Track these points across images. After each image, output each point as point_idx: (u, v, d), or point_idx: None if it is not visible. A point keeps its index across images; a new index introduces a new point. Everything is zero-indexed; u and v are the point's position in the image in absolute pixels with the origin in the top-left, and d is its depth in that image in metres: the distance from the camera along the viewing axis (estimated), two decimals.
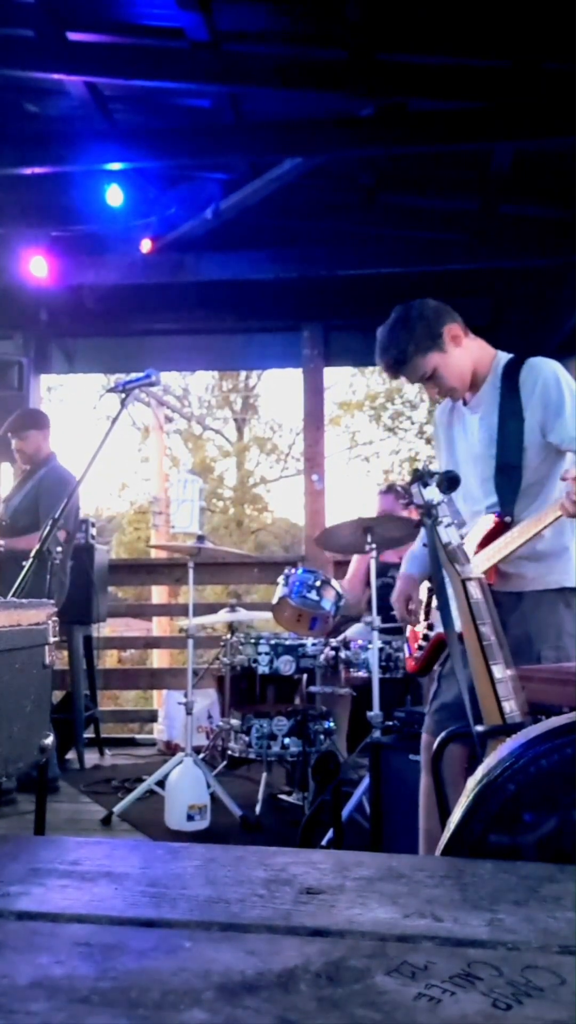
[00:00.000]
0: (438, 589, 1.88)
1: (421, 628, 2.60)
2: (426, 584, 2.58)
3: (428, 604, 2.57)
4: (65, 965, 0.69)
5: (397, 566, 4.17)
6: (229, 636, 4.23)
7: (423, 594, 2.60)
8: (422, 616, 2.59)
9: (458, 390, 2.39)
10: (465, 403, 2.45)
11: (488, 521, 2.24)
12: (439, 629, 2.42)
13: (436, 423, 2.64)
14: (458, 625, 1.85)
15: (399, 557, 4.23)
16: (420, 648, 2.54)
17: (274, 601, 3.79)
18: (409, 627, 2.68)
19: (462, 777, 2.25)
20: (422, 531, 2.72)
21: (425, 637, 2.51)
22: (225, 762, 4.20)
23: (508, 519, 2.22)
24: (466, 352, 2.37)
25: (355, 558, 4.54)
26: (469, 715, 1.77)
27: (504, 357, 2.41)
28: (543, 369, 2.29)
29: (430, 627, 2.50)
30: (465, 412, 2.45)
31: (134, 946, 0.74)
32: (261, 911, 0.83)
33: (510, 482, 2.26)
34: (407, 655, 2.67)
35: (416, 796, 2.44)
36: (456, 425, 2.50)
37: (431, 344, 2.31)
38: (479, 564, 2.22)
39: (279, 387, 21.98)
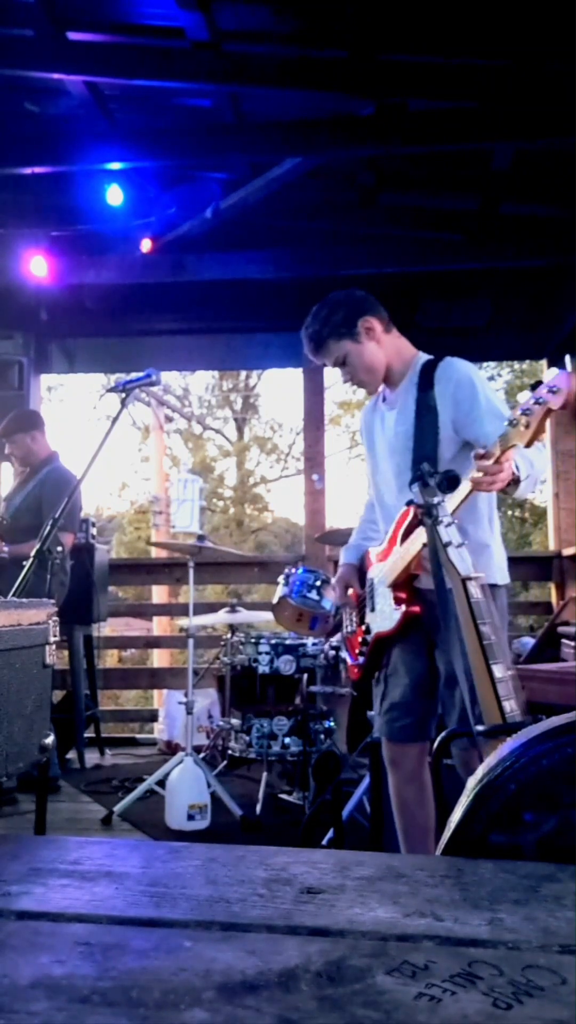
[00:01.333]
0: (438, 588, 1.88)
1: (359, 635, 2.61)
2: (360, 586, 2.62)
3: (361, 609, 2.59)
4: (66, 965, 0.69)
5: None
6: (229, 636, 4.23)
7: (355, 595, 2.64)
8: (356, 620, 2.61)
9: (367, 383, 2.50)
10: (384, 400, 2.54)
11: (406, 513, 2.28)
12: (377, 630, 2.45)
13: (361, 426, 2.74)
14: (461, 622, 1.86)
15: None
16: (361, 654, 2.55)
17: (274, 601, 3.79)
18: (347, 638, 2.71)
19: (423, 774, 2.30)
20: (358, 526, 2.79)
21: (364, 641, 2.52)
22: (225, 762, 4.20)
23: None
24: (381, 347, 2.46)
25: None
26: (469, 714, 1.77)
27: (424, 357, 2.49)
28: (457, 368, 2.37)
29: (367, 631, 2.51)
30: (383, 408, 2.55)
31: (135, 946, 0.74)
32: (262, 911, 0.83)
33: None
34: (350, 663, 2.67)
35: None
36: (375, 422, 2.59)
37: (345, 331, 2.43)
38: (406, 555, 2.27)
39: (279, 387, 22.01)
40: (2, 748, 1.71)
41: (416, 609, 2.33)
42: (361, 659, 2.54)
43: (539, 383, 1.80)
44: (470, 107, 3.84)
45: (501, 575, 2.35)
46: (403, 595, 2.34)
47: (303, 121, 4.12)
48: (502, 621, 2.31)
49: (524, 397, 1.81)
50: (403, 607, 2.34)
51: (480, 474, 1.93)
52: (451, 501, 2.08)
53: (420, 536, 2.20)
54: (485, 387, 2.34)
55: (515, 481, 1.99)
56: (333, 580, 2.72)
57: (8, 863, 0.97)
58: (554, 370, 1.80)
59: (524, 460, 1.99)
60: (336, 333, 2.43)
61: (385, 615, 2.40)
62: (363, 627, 2.55)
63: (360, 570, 2.64)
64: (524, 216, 4.91)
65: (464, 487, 2.04)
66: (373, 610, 2.48)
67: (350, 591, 2.62)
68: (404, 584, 2.34)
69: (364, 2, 3.27)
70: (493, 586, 2.28)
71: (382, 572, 2.43)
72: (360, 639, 2.56)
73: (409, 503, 2.07)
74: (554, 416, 1.87)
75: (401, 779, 2.42)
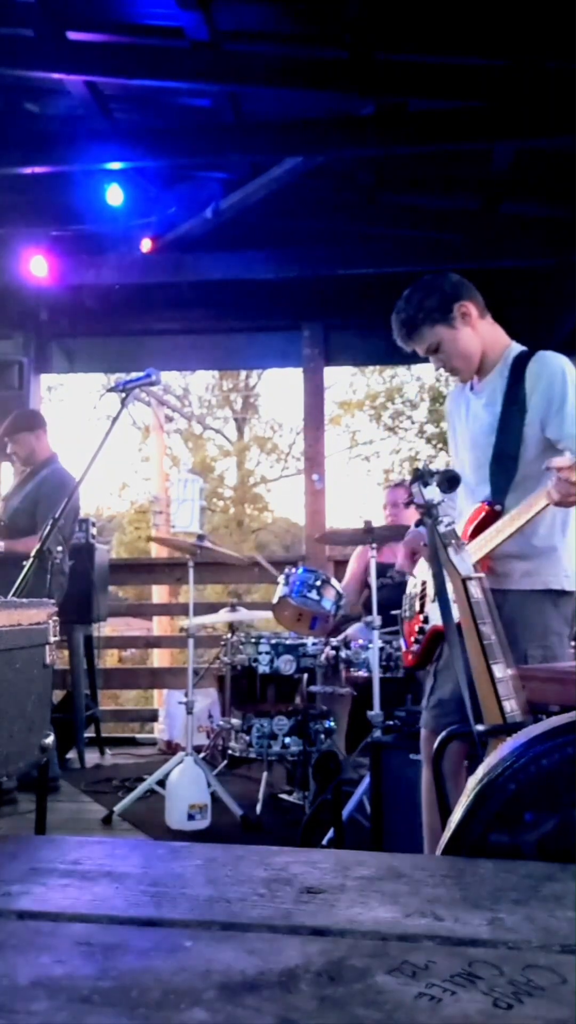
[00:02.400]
0: (438, 587, 1.87)
1: (416, 623, 2.59)
2: (421, 577, 2.58)
3: (423, 597, 2.57)
4: (66, 965, 0.69)
5: (395, 566, 4.18)
6: (229, 635, 4.22)
7: (417, 586, 2.60)
8: (417, 607, 2.59)
9: (461, 370, 2.39)
10: (472, 388, 2.45)
11: (479, 509, 2.23)
12: (435, 622, 2.41)
13: (446, 410, 2.65)
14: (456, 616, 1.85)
15: (396, 557, 4.24)
16: (416, 642, 2.54)
17: (274, 600, 3.79)
18: (405, 622, 2.69)
19: (461, 771, 2.26)
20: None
21: (421, 631, 2.50)
22: (226, 761, 4.20)
23: (498, 508, 2.20)
24: (476, 334, 2.35)
25: (353, 558, 4.54)
26: (469, 712, 1.77)
27: (517, 348, 2.39)
28: (552, 363, 2.27)
29: (426, 620, 2.49)
30: (470, 397, 2.45)
31: (135, 945, 0.74)
32: (262, 910, 0.83)
33: (505, 472, 2.25)
34: (404, 649, 2.67)
35: (417, 795, 2.44)
36: (460, 410, 2.50)
37: (440, 316, 2.31)
38: (472, 553, 2.24)
39: (279, 386, 22.00)
40: (2, 748, 1.71)
41: None
42: (416, 647, 2.52)
43: None
44: (470, 107, 3.84)
45: (569, 581, 2.25)
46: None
47: (303, 121, 4.12)
48: (564, 629, 2.24)
49: None
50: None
51: (556, 489, 1.88)
52: (523, 513, 2.03)
53: (487, 535, 2.16)
54: None
55: None
56: (403, 543, 2.63)
57: (8, 863, 0.97)
58: None
59: None
60: (431, 318, 2.31)
61: None
62: (422, 615, 2.51)
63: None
64: (524, 216, 4.91)
65: (539, 500, 1.99)
66: (434, 600, 2.45)
67: (416, 556, 2.56)
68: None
69: (364, 2, 3.27)
70: (561, 592, 2.23)
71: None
72: (417, 627, 2.53)
73: (482, 498, 2.03)
74: None
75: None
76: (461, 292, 2.35)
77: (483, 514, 2.22)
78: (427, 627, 2.46)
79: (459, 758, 2.34)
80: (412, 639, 2.57)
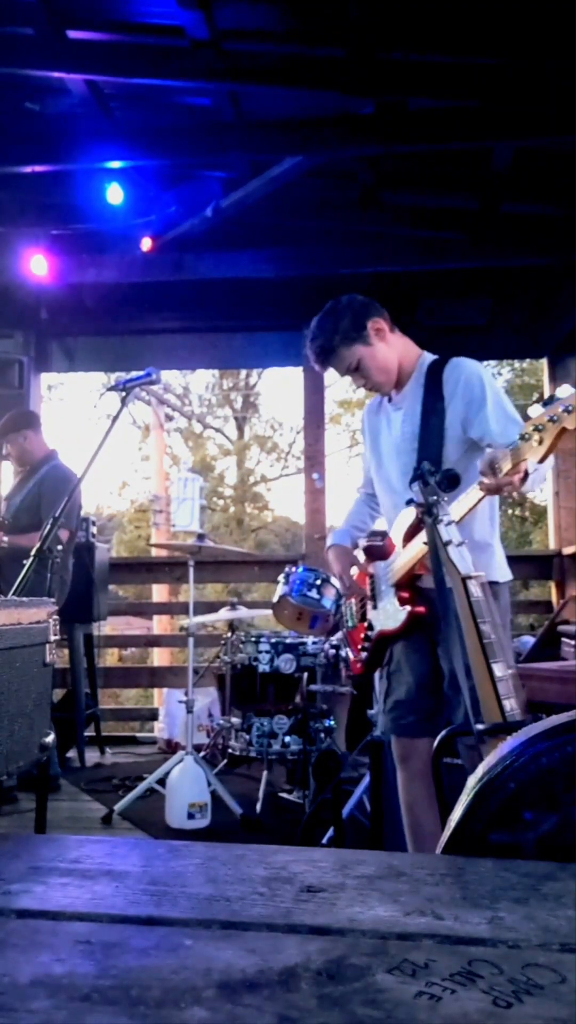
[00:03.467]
0: (438, 586, 1.88)
1: (361, 631, 2.61)
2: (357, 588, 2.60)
3: (363, 606, 2.59)
4: (66, 963, 0.69)
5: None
6: (230, 634, 4.23)
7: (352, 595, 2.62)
8: (357, 615, 2.62)
9: (383, 384, 2.46)
10: (390, 400, 2.52)
11: (410, 513, 2.26)
12: (380, 628, 2.45)
13: (363, 422, 2.72)
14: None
15: None
16: (364, 649, 2.55)
17: (275, 599, 3.79)
18: (348, 632, 2.71)
19: (428, 771, 2.29)
20: (350, 511, 2.78)
21: (367, 638, 2.53)
22: (226, 760, 4.20)
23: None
24: (391, 347, 2.44)
25: None
26: (469, 709, 1.77)
27: (429, 357, 2.48)
28: (467, 367, 2.36)
29: (370, 627, 2.52)
30: (389, 409, 2.53)
31: (135, 944, 0.74)
32: (262, 909, 0.83)
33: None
34: (351, 658, 2.68)
35: None
36: (381, 422, 2.57)
37: (356, 336, 2.39)
38: (411, 555, 2.27)
39: (279, 385, 22.01)
40: (3, 746, 1.71)
41: (421, 609, 2.33)
42: (364, 654, 2.55)
43: (553, 398, 1.79)
44: (470, 106, 3.84)
45: (502, 572, 2.37)
46: (407, 595, 2.35)
47: (303, 120, 4.11)
48: (504, 619, 2.32)
49: (536, 412, 1.79)
50: (408, 607, 2.34)
51: (489, 481, 1.92)
52: (461, 507, 2.09)
53: (423, 537, 2.20)
54: (493, 385, 2.34)
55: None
56: (334, 565, 2.65)
57: (8, 862, 0.97)
58: (568, 388, 1.79)
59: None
60: (347, 338, 2.39)
61: (389, 614, 2.41)
62: (365, 623, 2.56)
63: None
64: (524, 215, 4.91)
65: (474, 494, 2.04)
66: (376, 607, 2.49)
67: (354, 570, 2.59)
68: (408, 584, 2.35)
69: (364, 1, 3.27)
70: (495, 583, 2.30)
71: (386, 571, 2.44)
72: (363, 635, 2.57)
73: (410, 503, 2.08)
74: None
75: (410, 776, 2.42)
76: (370, 310, 2.44)
77: (414, 517, 2.25)
78: (372, 633, 2.49)
79: (427, 757, 2.37)
80: (359, 647, 2.59)
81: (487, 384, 2.31)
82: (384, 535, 2.56)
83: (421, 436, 2.34)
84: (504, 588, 2.36)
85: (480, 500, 2.06)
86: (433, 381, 2.37)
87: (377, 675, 2.55)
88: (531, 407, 1.83)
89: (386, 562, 2.46)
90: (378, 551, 2.54)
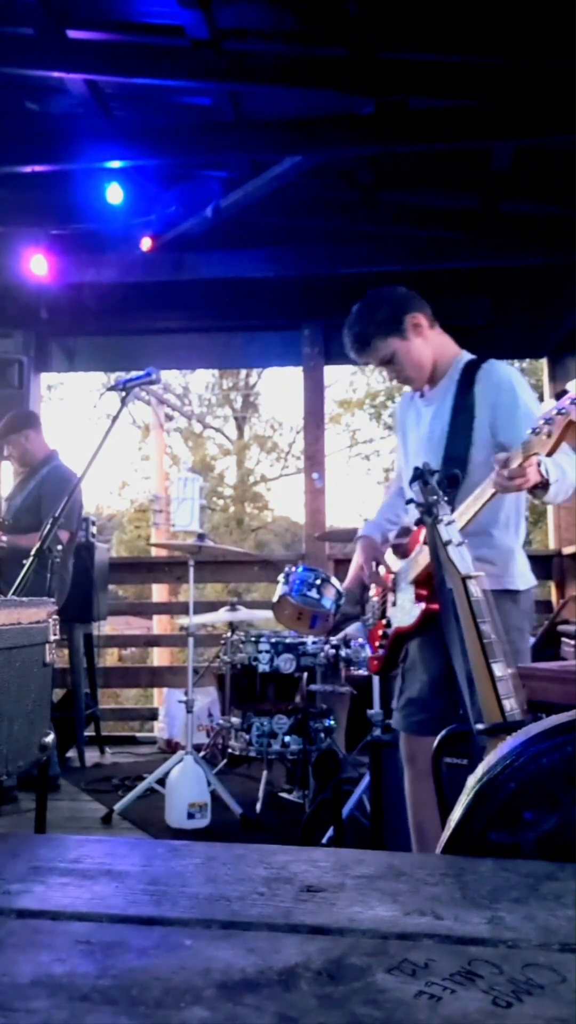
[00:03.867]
0: (439, 586, 1.88)
1: (380, 628, 2.61)
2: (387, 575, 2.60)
3: (384, 603, 2.59)
4: (66, 963, 0.69)
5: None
6: (229, 634, 4.23)
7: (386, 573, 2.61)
8: (378, 612, 2.62)
9: (414, 379, 2.46)
10: (422, 396, 2.51)
11: None
12: (397, 625, 2.45)
13: (395, 416, 2.72)
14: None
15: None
16: (381, 647, 2.56)
17: (274, 599, 3.79)
18: (369, 628, 2.71)
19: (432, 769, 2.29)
20: (383, 504, 2.77)
21: (384, 635, 2.53)
22: (225, 760, 4.20)
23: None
24: (427, 343, 2.43)
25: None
26: (469, 711, 1.77)
27: (466, 356, 2.47)
28: (501, 371, 2.36)
29: (388, 624, 2.52)
30: (420, 404, 2.52)
31: (135, 944, 0.74)
32: (262, 909, 0.83)
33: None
34: (369, 655, 2.69)
35: None
36: (410, 417, 2.57)
37: (392, 328, 2.38)
38: (427, 552, 2.26)
39: (279, 385, 22.04)
40: (2, 747, 1.71)
41: (436, 606, 2.33)
42: (381, 651, 2.55)
43: (564, 392, 1.79)
44: (470, 105, 3.84)
45: (524, 580, 2.35)
46: (424, 592, 2.34)
47: (303, 119, 4.11)
48: (524, 623, 2.32)
49: (548, 406, 1.80)
50: (423, 604, 2.33)
51: (501, 479, 1.92)
52: (473, 504, 2.09)
53: None
54: (526, 392, 2.33)
55: (543, 486, 1.96)
56: (358, 556, 2.62)
57: (8, 861, 0.97)
58: None
59: (556, 466, 1.95)
60: (383, 330, 2.38)
61: (405, 611, 2.41)
62: (384, 620, 2.56)
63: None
64: (524, 215, 4.91)
65: (487, 491, 2.04)
66: (395, 604, 2.49)
67: (381, 568, 2.58)
68: (426, 581, 2.34)
69: (364, 1, 3.27)
70: (516, 591, 2.31)
71: (407, 568, 2.43)
72: (381, 632, 2.57)
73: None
74: None
75: (416, 776, 2.41)
76: (410, 304, 2.43)
77: None
78: (389, 631, 2.49)
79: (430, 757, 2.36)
80: (376, 644, 2.59)
81: (519, 389, 2.30)
82: (410, 531, 2.56)
83: (449, 435, 2.33)
84: (526, 595, 2.35)
85: (491, 498, 2.04)
86: (466, 381, 2.36)
87: (393, 673, 2.55)
88: (545, 401, 1.83)
89: (408, 559, 2.46)
90: (403, 549, 2.54)
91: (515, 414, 2.25)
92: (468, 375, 2.37)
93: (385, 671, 2.58)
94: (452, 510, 2.16)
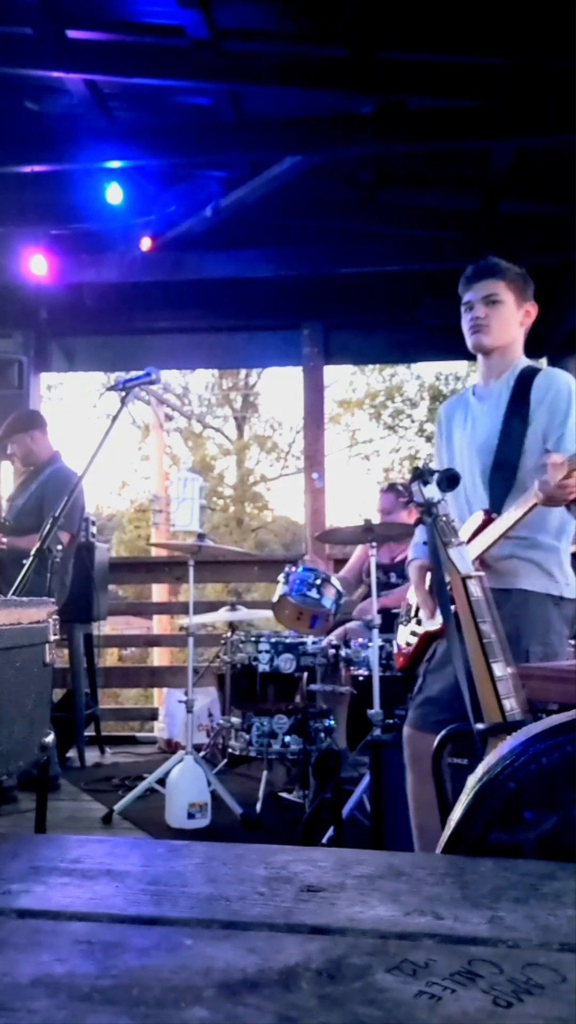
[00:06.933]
0: (438, 586, 1.88)
1: (411, 626, 2.62)
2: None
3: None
4: (66, 963, 0.69)
5: (390, 566, 4.18)
6: (229, 634, 4.22)
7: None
8: (413, 611, 2.62)
9: (491, 333, 2.43)
10: (475, 393, 2.52)
11: (477, 518, 2.27)
12: (427, 627, 2.45)
13: (439, 417, 2.69)
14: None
15: (391, 558, 4.24)
16: (408, 644, 2.57)
17: (274, 599, 3.79)
18: (401, 625, 2.72)
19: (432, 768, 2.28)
20: (420, 527, 2.75)
21: (413, 633, 2.53)
22: (225, 760, 4.20)
23: (495, 516, 2.25)
24: (520, 330, 2.46)
25: (356, 552, 4.56)
26: (468, 708, 1.77)
27: (525, 361, 2.47)
28: (559, 379, 2.35)
29: (419, 623, 2.52)
30: (472, 401, 2.51)
31: (135, 944, 0.74)
32: (262, 909, 0.83)
33: (504, 480, 2.31)
34: (396, 651, 2.70)
35: None
36: (457, 418, 2.55)
37: (520, 287, 2.43)
38: (470, 553, 2.25)
39: (279, 385, 22.05)
40: (2, 746, 1.71)
41: None
42: (408, 648, 2.57)
43: None
44: (470, 105, 3.84)
45: (569, 589, 2.33)
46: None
47: (303, 119, 4.12)
48: (566, 631, 2.31)
49: None
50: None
51: (546, 487, 1.93)
52: (515, 512, 2.10)
53: (482, 540, 2.21)
54: None
55: None
56: (410, 574, 2.60)
57: (8, 861, 0.97)
58: None
59: None
60: (512, 281, 2.42)
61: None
62: (417, 619, 2.57)
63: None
64: (524, 214, 4.91)
65: (529, 500, 2.04)
66: None
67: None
68: None
69: (364, 0, 3.27)
70: (563, 599, 2.30)
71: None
72: (411, 630, 2.59)
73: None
74: None
75: (419, 777, 2.40)
76: (533, 297, 2.48)
77: (480, 523, 2.26)
78: (420, 631, 2.49)
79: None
80: (405, 641, 2.60)
81: (574, 400, 2.30)
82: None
83: (501, 437, 2.33)
84: (569, 603, 2.33)
85: (532, 508, 2.05)
86: (523, 386, 2.36)
87: (417, 671, 2.56)
88: None
89: None
90: None
91: (567, 423, 2.25)
92: (525, 381, 2.37)
93: (411, 668, 2.58)
94: (500, 513, 2.18)
